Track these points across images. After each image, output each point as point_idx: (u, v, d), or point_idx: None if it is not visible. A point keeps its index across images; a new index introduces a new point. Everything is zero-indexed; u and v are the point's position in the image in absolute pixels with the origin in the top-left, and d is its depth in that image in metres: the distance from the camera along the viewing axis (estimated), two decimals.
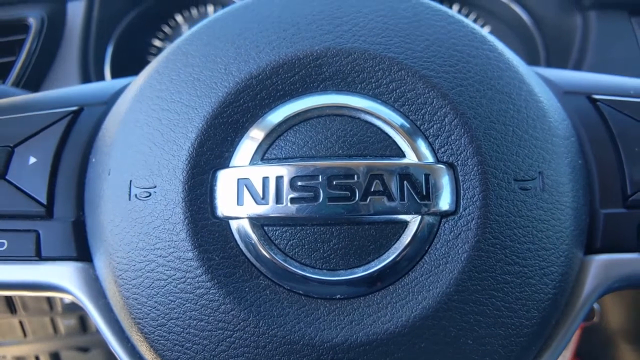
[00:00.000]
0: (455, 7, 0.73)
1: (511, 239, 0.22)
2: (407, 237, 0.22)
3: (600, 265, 0.26)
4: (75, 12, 0.58)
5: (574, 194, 0.24)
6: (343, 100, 0.23)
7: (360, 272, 0.22)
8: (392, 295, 0.22)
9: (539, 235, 0.23)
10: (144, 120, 0.24)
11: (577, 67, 0.60)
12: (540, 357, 0.25)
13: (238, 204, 0.22)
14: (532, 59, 0.67)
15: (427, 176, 0.22)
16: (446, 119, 0.23)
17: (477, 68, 0.24)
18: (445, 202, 0.22)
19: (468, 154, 0.23)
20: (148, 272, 0.22)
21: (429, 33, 0.24)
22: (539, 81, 0.29)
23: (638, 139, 0.27)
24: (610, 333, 0.63)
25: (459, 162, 0.23)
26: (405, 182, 0.22)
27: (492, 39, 0.26)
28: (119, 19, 0.62)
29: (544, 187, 0.23)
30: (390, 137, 0.23)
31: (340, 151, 0.23)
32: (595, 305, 0.56)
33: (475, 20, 0.72)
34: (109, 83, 0.31)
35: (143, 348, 0.23)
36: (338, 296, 0.22)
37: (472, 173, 0.22)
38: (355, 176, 0.22)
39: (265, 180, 0.22)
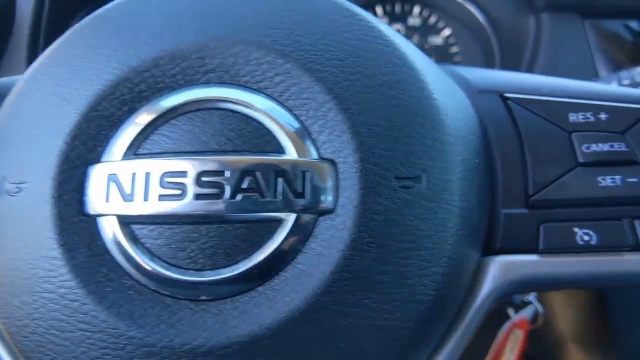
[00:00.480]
0: (417, 9, 0.72)
1: (389, 238, 0.21)
2: (280, 236, 0.21)
3: (499, 266, 0.26)
4: (25, 4, 0.57)
5: (463, 193, 0.23)
6: (224, 93, 0.22)
7: (227, 273, 0.21)
8: (260, 296, 0.21)
9: (419, 234, 0.22)
10: (24, 114, 0.23)
11: (529, 69, 0.59)
12: (435, 358, 0.24)
13: (106, 201, 0.21)
14: (488, 62, 0.66)
15: (304, 173, 0.21)
16: (329, 115, 0.22)
17: (368, 63, 0.23)
18: (323, 200, 0.21)
19: (349, 150, 0.22)
20: (13, 269, 0.21)
21: (321, 26, 0.23)
22: (446, 79, 0.28)
23: (544, 138, 0.27)
24: (560, 335, 0.62)
25: (340, 159, 0.22)
26: (280, 179, 0.21)
27: (392, 34, 0.25)
28: (71, 13, 0.61)
29: (428, 185, 0.22)
30: (271, 133, 0.22)
31: (216, 146, 0.22)
32: (540, 308, 0.55)
33: (436, 23, 0.72)
34: (12, 78, 0.29)
35: (8, 349, 0.22)
36: (203, 297, 0.21)
37: (352, 170, 0.21)
38: (226, 172, 0.21)
39: (133, 176, 0.21)
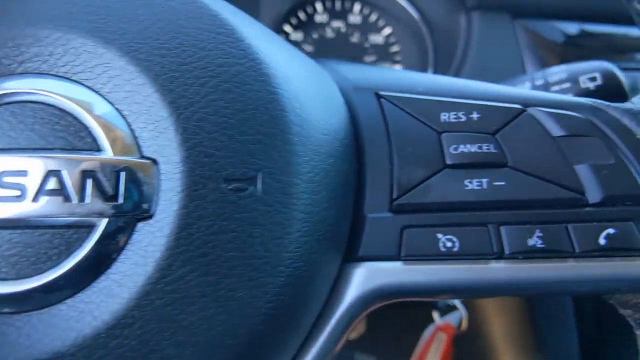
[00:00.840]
0: (357, 7, 0.71)
1: (213, 246, 0.19)
2: (89, 243, 0.19)
3: (362, 274, 0.24)
4: None
5: (311, 196, 0.21)
6: (39, 84, 0.20)
7: (31, 283, 0.19)
8: (69, 309, 0.18)
9: (250, 241, 0.20)
10: None
11: (460, 68, 0.58)
12: None
13: None
14: (423, 61, 0.65)
15: (118, 173, 0.19)
16: (153, 109, 0.20)
17: (202, 53, 0.21)
18: (141, 203, 0.19)
19: (173, 149, 0.19)
20: None
21: (153, 13, 0.21)
22: (317, 75, 0.26)
23: (413, 139, 0.25)
24: (492, 338, 0.61)
25: (162, 158, 0.20)
26: (88, 179, 0.19)
27: (238, 23, 0.23)
28: None
29: (264, 188, 0.20)
30: (87, 128, 0.20)
31: (24, 143, 0.19)
32: (463, 312, 0.54)
33: (377, 21, 0.70)
34: None
35: None
36: (6, 310, 0.19)
37: (175, 171, 0.19)
38: (29, 173, 0.19)
39: None
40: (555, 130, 0.24)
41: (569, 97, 0.26)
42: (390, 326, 0.66)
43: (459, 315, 0.53)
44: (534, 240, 0.22)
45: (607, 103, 0.25)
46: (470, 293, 0.24)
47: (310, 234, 0.21)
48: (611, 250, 0.22)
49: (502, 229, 0.23)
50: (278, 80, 0.22)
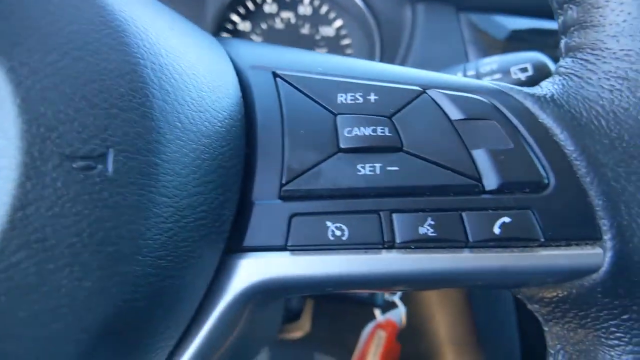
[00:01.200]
0: None
1: (53, 229, 0.17)
2: None
3: (247, 266, 0.22)
4: None
5: (173, 179, 0.19)
6: None
7: None
8: None
9: (98, 226, 0.17)
10: None
11: (404, 60, 0.57)
12: None
13: None
14: (371, 54, 0.64)
15: None
16: None
17: (52, 18, 0.18)
18: None
19: (9, 122, 0.17)
20: None
21: None
22: (210, 50, 0.24)
23: (307, 121, 0.23)
24: (437, 337, 0.60)
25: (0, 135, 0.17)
26: None
27: None
28: None
29: (116, 167, 0.18)
30: None
31: None
32: (402, 309, 0.52)
33: (327, 13, 0.69)
34: None
35: None
36: None
37: (11, 146, 0.17)
38: None
39: None
40: (454, 114, 0.22)
41: (474, 81, 0.24)
42: (336, 324, 0.64)
43: (400, 312, 0.52)
44: (425, 229, 0.21)
45: (512, 86, 0.24)
46: (360, 286, 0.22)
47: (176, 221, 0.19)
48: (506, 240, 0.21)
49: (394, 216, 0.21)
50: (141, 50, 0.19)
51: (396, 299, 0.52)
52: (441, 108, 0.23)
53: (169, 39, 0.21)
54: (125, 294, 0.18)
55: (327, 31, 0.69)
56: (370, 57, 0.64)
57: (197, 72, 0.22)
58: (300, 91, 0.24)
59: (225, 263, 0.22)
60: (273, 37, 0.69)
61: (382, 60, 0.60)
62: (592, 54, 0.23)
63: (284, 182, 0.22)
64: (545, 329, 0.25)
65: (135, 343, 0.20)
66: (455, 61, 0.54)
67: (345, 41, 0.68)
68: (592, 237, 0.21)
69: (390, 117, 0.23)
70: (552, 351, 0.24)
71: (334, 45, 0.69)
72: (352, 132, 0.22)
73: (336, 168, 0.22)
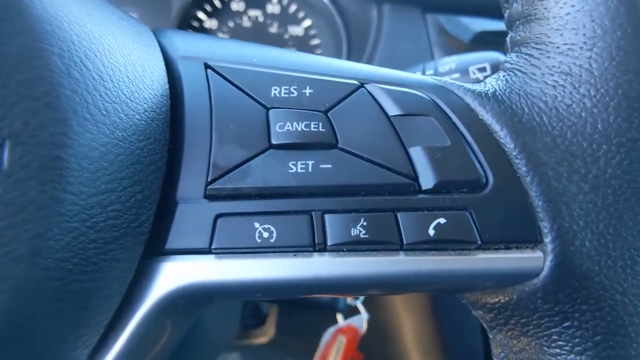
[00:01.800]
0: None
1: None
2: None
3: (167, 270, 0.20)
4: None
5: (79, 174, 0.17)
6: None
7: None
8: None
9: None
10: None
11: (369, 61, 0.56)
12: None
13: None
14: (338, 54, 0.62)
15: None
16: None
17: None
18: None
19: None
20: None
21: None
22: (126, 40, 0.22)
23: (238, 115, 0.21)
24: (402, 341, 0.59)
25: None
26: None
27: None
28: None
29: (14, 161, 0.16)
30: None
31: None
32: (364, 314, 0.51)
33: (296, 12, 0.67)
34: None
35: None
36: None
37: None
38: None
39: None
40: (391, 109, 0.21)
41: (414, 76, 0.23)
42: (301, 329, 0.63)
43: (362, 317, 0.51)
44: (358, 230, 0.19)
45: (454, 82, 0.22)
46: (290, 291, 0.21)
47: (83, 220, 0.17)
48: (441, 243, 0.19)
49: (327, 217, 0.20)
50: (49, 36, 0.18)
51: (359, 304, 0.51)
52: (378, 103, 0.21)
53: (84, 24, 0.20)
54: (22, 299, 0.16)
55: (296, 30, 0.67)
56: (338, 57, 0.63)
57: (115, 61, 0.20)
58: (232, 83, 0.22)
59: (145, 267, 0.20)
60: (240, 36, 0.67)
61: (348, 58, 0.59)
62: (536, 49, 0.22)
63: (209, 180, 0.20)
64: (490, 336, 0.24)
65: (40, 351, 0.18)
66: (421, 61, 0.54)
67: (315, 41, 0.67)
68: (532, 240, 0.19)
69: (325, 112, 0.21)
70: (495, 359, 0.23)
71: (303, 45, 0.67)
72: (284, 127, 0.21)
73: (266, 165, 0.21)
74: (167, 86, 0.22)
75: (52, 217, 0.17)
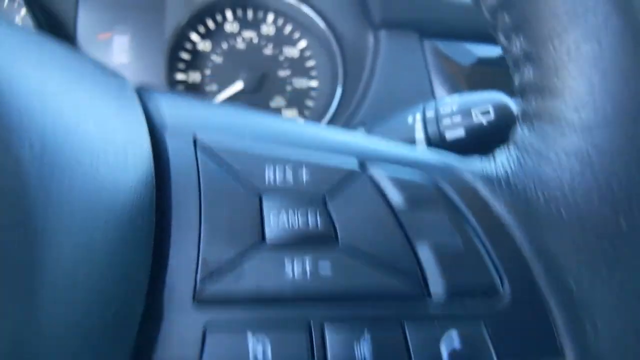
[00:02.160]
0: (271, 17, 0.65)
1: None
2: None
3: None
4: None
5: (41, 275, 0.15)
6: None
7: None
8: None
9: None
10: None
11: (367, 87, 0.54)
12: None
13: None
14: (333, 78, 0.60)
15: None
16: None
17: None
18: None
19: None
20: None
21: None
22: (107, 111, 0.20)
23: (228, 203, 0.19)
24: None
25: None
26: None
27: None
28: None
29: None
30: None
31: None
32: None
33: (291, 33, 0.65)
34: None
35: None
36: None
37: None
38: None
39: None
40: (397, 201, 0.19)
41: (418, 152, 0.21)
42: None
43: None
44: (362, 352, 0.17)
45: (461, 161, 0.20)
46: None
47: (52, 336, 0.15)
48: None
49: (327, 329, 0.18)
50: (10, 118, 0.15)
51: None
52: (382, 193, 0.19)
53: (60, 95, 0.17)
54: None
55: (292, 52, 0.65)
56: (333, 81, 0.60)
57: (100, 140, 0.18)
58: (222, 163, 0.20)
59: None
60: (235, 58, 0.65)
61: (345, 85, 0.57)
62: (551, 126, 0.20)
63: (199, 278, 0.18)
64: None
65: None
66: (420, 89, 0.51)
67: (310, 63, 0.65)
68: (551, 354, 0.17)
69: (323, 201, 0.19)
70: None
71: (298, 67, 0.65)
72: (278, 220, 0.19)
73: (260, 264, 0.18)
74: (152, 170, 0.19)
75: (4, 337, 0.14)
